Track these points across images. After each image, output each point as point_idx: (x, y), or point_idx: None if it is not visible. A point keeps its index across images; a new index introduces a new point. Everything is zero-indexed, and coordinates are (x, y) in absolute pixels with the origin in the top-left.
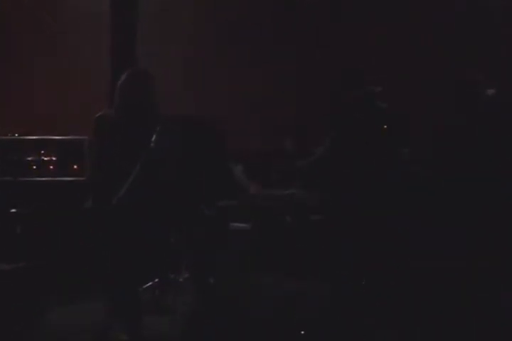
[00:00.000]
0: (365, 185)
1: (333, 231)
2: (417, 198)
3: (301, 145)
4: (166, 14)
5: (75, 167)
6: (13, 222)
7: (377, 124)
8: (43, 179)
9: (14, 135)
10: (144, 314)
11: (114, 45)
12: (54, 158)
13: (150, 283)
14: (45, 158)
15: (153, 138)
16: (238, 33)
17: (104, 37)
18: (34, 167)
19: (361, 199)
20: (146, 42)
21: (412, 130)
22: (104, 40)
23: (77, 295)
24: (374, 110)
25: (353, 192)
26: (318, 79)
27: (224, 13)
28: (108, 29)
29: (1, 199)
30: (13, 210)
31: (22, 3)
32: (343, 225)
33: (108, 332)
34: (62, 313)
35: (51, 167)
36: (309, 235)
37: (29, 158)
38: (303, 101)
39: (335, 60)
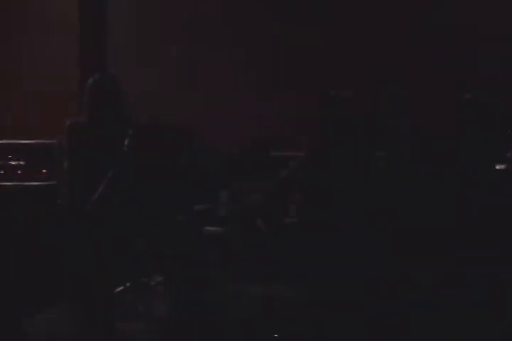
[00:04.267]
0: (343, 191)
1: (308, 234)
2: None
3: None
4: (136, 17)
5: (43, 171)
6: None
7: (347, 131)
8: (11, 184)
9: None
10: (116, 319)
11: (83, 50)
12: (22, 163)
13: (122, 287)
14: (13, 163)
15: (125, 143)
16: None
17: (72, 39)
18: (1, 171)
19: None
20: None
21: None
22: (72, 43)
23: (47, 303)
24: (342, 117)
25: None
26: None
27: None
28: (77, 33)
29: None
30: None
31: None
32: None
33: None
34: (36, 321)
35: (19, 172)
36: (282, 238)
37: None
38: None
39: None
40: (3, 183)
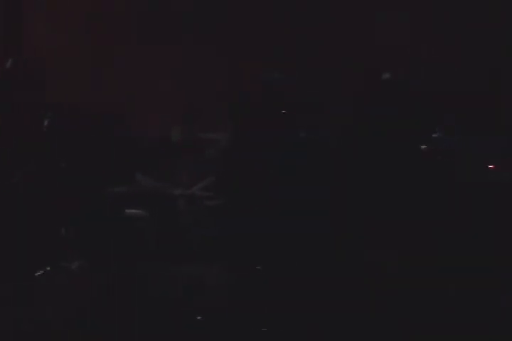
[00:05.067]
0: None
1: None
2: None
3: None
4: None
5: None
6: None
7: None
8: None
9: None
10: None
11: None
12: None
13: (41, 272)
14: None
15: (45, 124)
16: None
17: None
18: None
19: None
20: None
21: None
22: None
23: None
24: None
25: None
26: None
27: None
28: None
29: None
30: None
31: None
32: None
33: None
34: None
35: None
36: (204, 220)
37: None
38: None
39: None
40: None
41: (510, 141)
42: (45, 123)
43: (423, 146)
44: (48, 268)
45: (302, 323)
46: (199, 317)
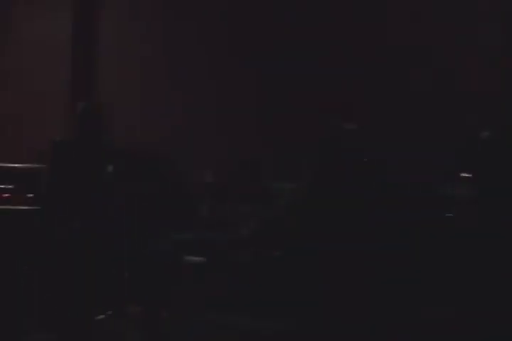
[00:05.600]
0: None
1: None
2: None
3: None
4: (125, 48)
5: (31, 196)
6: None
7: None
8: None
9: None
10: None
11: (74, 78)
12: (10, 186)
13: (103, 316)
14: (1, 186)
15: (108, 170)
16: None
17: (62, 69)
18: None
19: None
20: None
21: None
22: (63, 71)
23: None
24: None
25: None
26: None
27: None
28: (68, 62)
29: None
30: None
31: None
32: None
33: None
34: None
35: (6, 195)
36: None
37: None
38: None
39: None
40: None
41: None
42: (110, 168)
43: None
44: (110, 313)
45: None
46: None
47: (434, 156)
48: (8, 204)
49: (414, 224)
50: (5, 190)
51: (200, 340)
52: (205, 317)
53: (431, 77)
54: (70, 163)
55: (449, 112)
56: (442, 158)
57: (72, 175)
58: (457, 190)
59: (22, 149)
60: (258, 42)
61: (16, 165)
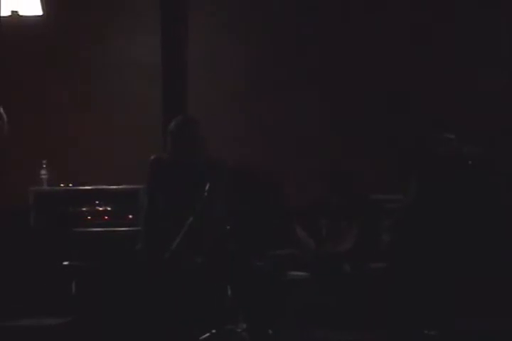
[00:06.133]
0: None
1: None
2: None
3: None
4: (215, 61)
5: (130, 217)
6: (67, 274)
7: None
8: (98, 229)
9: (68, 185)
10: None
11: (165, 92)
12: (109, 208)
13: (207, 334)
14: (100, 208)
15: (206, 188)
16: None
17: (152, 84)
18: (88, 217)
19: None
20: (195, 89)
21: None
22: (153, 87)
23: None
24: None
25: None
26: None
27: (275, 59)
28: (158, 77)
29: (55, 251)
30: (67, 263)
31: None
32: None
33: None
34: None
35: (106, 217)
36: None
37: (83, 209)
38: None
39: None
40: (90, 229)
41: None
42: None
43: None
44: (214, 331)
45: None
46: None
47: None
48: (109, 227)
49: None
50: (104, 212)
51: None
52: (310, 335)
53: None
54: (169, 180)
55: None
56: None
57: (173, 192)
58: None
59: (116, 170)
60: None
61: (114, 186)
